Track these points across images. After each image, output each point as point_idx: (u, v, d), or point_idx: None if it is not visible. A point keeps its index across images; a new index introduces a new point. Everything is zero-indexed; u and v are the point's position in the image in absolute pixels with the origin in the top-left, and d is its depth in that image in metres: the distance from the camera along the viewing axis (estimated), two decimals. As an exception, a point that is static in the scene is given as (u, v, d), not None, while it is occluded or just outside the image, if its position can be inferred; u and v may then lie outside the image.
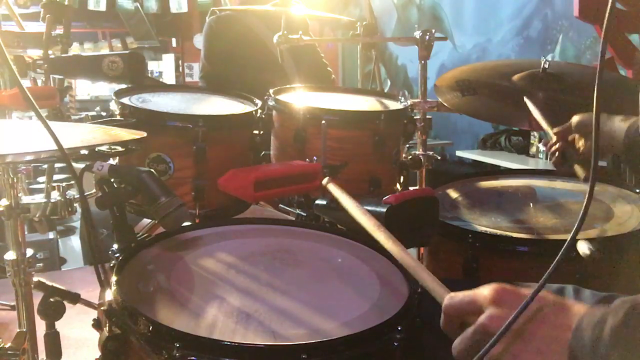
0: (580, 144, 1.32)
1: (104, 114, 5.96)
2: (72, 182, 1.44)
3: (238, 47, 2.63)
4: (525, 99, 1.50)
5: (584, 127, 1.30)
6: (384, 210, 1.10)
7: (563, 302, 0.66)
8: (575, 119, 1.31)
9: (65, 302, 1.33)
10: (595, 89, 0.67)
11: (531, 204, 1.59)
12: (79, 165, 1.06)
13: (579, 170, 1.34)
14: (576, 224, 0.67)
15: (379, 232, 0.97)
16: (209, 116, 1.50)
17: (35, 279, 1.33)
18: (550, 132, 1.42)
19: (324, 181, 1.22)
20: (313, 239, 1.21)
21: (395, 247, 0.92)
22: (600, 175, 1.42)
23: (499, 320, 0.65)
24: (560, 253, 0.66)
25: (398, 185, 1.65)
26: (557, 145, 1.37)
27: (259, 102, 1.63)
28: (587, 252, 1.04)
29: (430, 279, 0.80)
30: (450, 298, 0.73)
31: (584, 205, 0.67)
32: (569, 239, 0.67)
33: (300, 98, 1.70)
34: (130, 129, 1.20)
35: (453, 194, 1.65)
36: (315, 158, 1.48)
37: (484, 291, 0.69)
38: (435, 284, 0.79)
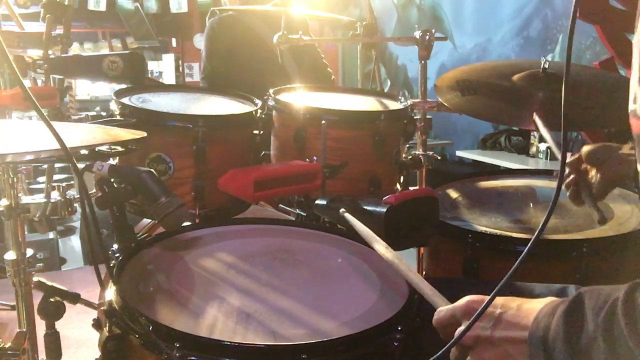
0: (592, 174, 1.29)
1: (104, 114, 5.95)
2: (72, 182, 1.44)
3: (240, 47, 2.63)
4: (535, 117, 1.46)
5: (595, 158, 1.27)
6: (384, 210, 1.09)
7: (523, 305, 0.70)
8: (585, 149, 1.29)
9: (65, 302, 1.33)
10: (563, 87, 0.68)
11: (531, 204, 1.59)
12: (78, 165, 1.05)
13: (593, 213, 1.29)
14: (543, 221, 0.70)
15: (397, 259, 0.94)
16: (209, 116, 1.50)
17: (35, 279, 1.33)
18: (558, 154, 1.37)
19: (341, 211, 1.15)
20: (313, 239, 1.21)
21: (412, 273, 0.89)
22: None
23: (470, 333, 0.70)
24: (525, 251, 0.69)
25: (398, 185, 1.65)
26: (570, 178, 1.32)
27: (259, 102, 1.63)
28: None
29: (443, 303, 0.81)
30: (437, 313, 0.77)
31: (551, 202, 0.68)
32: (534, 236, 0.70)
33: (300, 98, 1.70)
34: (130, 129, 1.20)
35: (453, 194, 1.65)
36: (315, 158, 1.48)
37: (460, 304, 0.74)
38: (439, 300, 0.80)
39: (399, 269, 0.91)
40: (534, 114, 1.47)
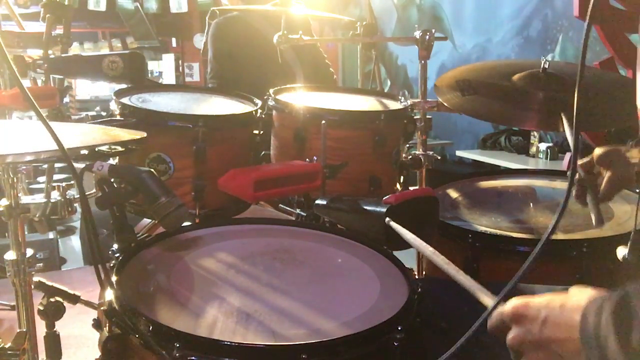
0: (602, 176, 1.29)
1: (104, 114, 5.95)
2: (72, 182, 1.43)
3: (245, 47, 2.62)
4: (563, 117, 1.43)
5: (606, 160, 1.27)
6: (384, 210, 1.09)
7: (566, 304, 0.70)
8: (596, 151, 1.29)
9: (65, 302, 1.32)
10: (576, 89, 0.68)
11: (531, 204, 1.59)
12: (78, 165, 1.06)
13: (592, 214, 1.28)
14: (552, 223, 0.69)
15: (448, 266, 0.92)
16: (209, 116, 1.50)
17: (35, 279, 1.33)
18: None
19: (386, 220, 1.11)
20: (313, 239, 1.21)
21: (465, 277, 0.87)
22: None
23: (518, 337, 0.71)
24: (535, 250, 0.71)
25: (398, 185, 1.65)
26: (577, 177, 1.31)
27: (259, 102, 1.63)
28: (623, 256, 1.06)
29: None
30: (489, 321, 0.76)
31: (562, 203, 0.68)
32: (544, 237, 0.72)
33: (300, 98, 1.70)
34: (130, 129, 1.20)
35: (453, 194, 1.65)
36: (315, 158, 1.48)
37: (507, 310, 0.74)
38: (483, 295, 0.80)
39: (451, 273, 0.88)
40: (561, 114, 1.44)
